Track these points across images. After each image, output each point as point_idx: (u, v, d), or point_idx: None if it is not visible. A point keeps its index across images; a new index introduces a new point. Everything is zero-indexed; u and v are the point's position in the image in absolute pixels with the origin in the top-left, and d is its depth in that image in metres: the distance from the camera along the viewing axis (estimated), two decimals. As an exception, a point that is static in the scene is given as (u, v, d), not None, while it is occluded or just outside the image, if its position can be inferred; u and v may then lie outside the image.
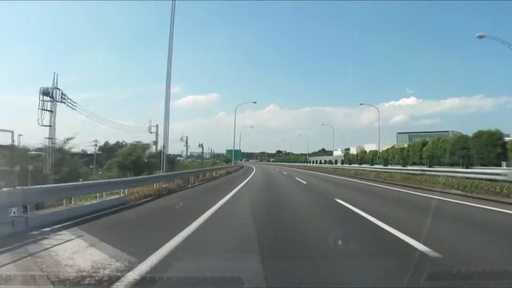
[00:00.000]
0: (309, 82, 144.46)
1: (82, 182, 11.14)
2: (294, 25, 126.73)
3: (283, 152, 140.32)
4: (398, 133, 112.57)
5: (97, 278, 3.31)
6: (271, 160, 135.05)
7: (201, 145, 71.32)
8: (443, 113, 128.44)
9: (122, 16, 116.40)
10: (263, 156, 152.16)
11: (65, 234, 5.50)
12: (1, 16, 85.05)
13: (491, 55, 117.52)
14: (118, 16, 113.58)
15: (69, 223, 6.35)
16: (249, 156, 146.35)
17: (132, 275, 3.38)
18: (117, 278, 3.28)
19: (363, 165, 36.74)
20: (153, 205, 9.66)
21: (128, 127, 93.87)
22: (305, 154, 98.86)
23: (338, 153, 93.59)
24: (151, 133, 43.80)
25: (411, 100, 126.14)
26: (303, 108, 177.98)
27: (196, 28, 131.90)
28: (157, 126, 40.35)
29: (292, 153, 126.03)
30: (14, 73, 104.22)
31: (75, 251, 4.40)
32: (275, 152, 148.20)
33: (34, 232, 5.53)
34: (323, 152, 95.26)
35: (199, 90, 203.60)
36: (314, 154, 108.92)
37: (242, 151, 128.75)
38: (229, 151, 68.03)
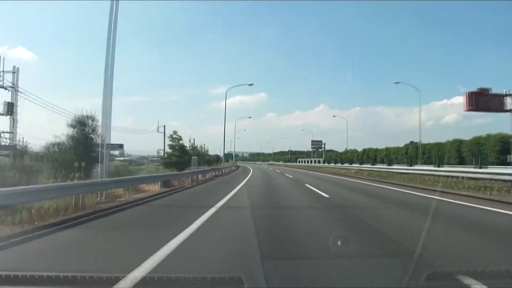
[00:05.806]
0: (359, 81, 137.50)
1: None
2: (342, 24, 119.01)
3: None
4: None
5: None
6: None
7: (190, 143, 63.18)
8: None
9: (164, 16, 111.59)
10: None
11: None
12: (43, 15, 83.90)
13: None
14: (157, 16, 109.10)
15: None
16: (294, 153, 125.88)
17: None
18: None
19: None
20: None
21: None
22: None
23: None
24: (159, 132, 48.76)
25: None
26: (354, 108, 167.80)
27: (243, 25, 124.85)
28: (164, 126, 46.40)
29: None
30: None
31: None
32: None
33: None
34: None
35: (246, 90, 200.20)
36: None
37: (292, 149, 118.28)
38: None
